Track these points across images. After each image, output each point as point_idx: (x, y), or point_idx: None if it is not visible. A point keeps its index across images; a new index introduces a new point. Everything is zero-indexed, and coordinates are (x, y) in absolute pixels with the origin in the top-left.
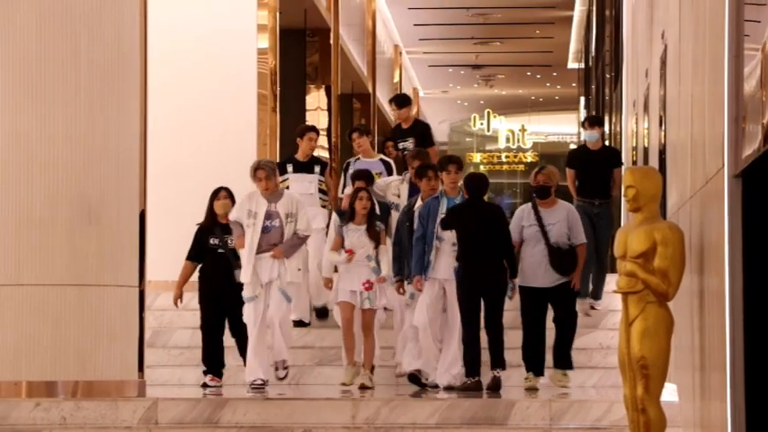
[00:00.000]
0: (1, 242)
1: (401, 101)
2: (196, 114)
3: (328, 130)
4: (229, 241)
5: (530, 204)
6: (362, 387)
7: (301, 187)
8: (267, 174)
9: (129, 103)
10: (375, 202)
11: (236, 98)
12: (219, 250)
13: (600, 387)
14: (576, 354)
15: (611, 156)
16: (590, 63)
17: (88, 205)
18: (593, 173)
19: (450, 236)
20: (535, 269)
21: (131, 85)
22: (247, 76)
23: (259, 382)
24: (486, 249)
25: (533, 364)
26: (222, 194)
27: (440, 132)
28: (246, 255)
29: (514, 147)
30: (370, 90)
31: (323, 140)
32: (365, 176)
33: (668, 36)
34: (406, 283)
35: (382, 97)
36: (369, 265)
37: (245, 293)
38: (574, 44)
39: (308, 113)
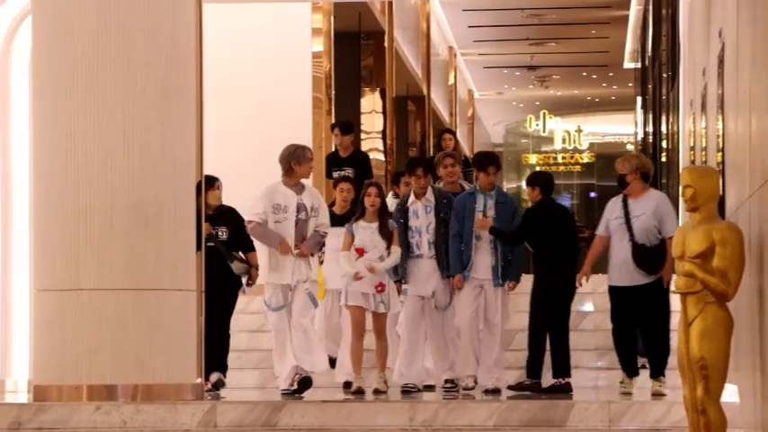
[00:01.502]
0: (61, 247)
1: (346, 128)
2: (252, 118)
3: (383, 132)
4: (220, 233)
5: (621, 195)
6: (377, 391)
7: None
8: (312, 155)
9: (186, 107)
10: (384, 198)
11: (292, 101)
12: (209, 243)
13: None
14: None
15: None
16: (646, 62)
17: (146, 210)
18: None
19: (487, 234)
20: (620, 267)
21: (188, 90)
22: (302, 79)
23: (291, 389)
24: (560, 250)
25: (626, 365)
26: (218, 184)
27: (495, 134)
28: (279, 255)
29: (570, 148)
30: (425, 92)
31: (378, 143)
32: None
33: (725, 34)
34: (401, 284)
35: (437, 100)
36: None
37: (274, 301)
38: (630, 44)
39: (362, 116)
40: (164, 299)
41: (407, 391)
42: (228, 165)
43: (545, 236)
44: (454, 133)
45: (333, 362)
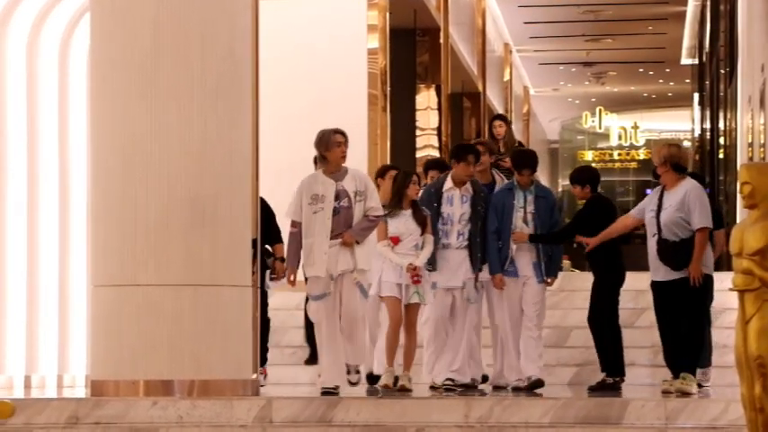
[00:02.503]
0: (118, 244)
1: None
2: (307, 115)
3: (438, 129)
4: None
5: (660, 186)
6: (403, 389)
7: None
8: (346, 138)
9: (242, 104)
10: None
11: (347, 98)
12: None
13: (717, 386)
14: None
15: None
16: (704, 59)
17: (203, 206)
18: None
19: (528, 231)
20: (652, 260)
21: (244, 88)
22: (358, 76)
23: (332, 387)
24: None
25: (669, 364)
26: None
27: (551, 131)
28: (317, 244)
29: (627, 144)
30: (481, 89)
31: (433, 140)
32: (440, 165)
33: None
34: (428, 273)
35: (492, 96)
36: (417, 254)
37: (314, 290)
38: (687, 40)
39: (417, 113)
40: (220, 294)
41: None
42: (284, 162)
43: (598, 232)
44: (506, 119)
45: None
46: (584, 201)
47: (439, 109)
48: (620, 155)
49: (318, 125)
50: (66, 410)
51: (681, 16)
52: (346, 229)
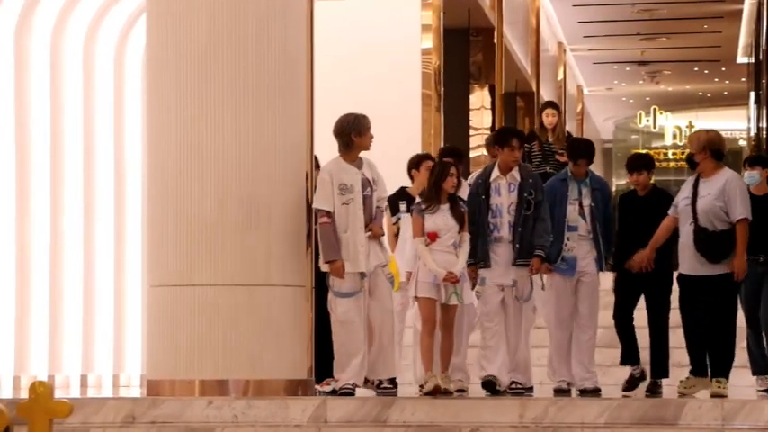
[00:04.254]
0: (174, 244)
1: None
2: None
3: (492, 129)
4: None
5: (695, 175)
6: (445, 392)
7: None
8: (370, 124)
9: (297, 105)
10: (460, 181)
11: (401, 98)
12: None
13: None
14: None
15: None
16: (760, 57)
17: (257, 206)
18: (756, 223)
19: (585, 223)
20: (684, 252)
21: (299, 88)
22: (412, 76)
23: (350, 385)
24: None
25: (692, 363)
26: None
27: (605, 130)
28: (353, 237)
29: (681, 144)
30: (534, 88)
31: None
32: (456, 154)
33: None
34: (478, 267)
35: (546, 96)
36: (455, 252)
37: (346, 287)
38: (743, 38)
39: (471, 113)
40: (275, 294)
41: (490, 383)
42: None
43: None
44: (557, 107)
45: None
46: (638, 189)
47: (492, 109)
48: (674, 154)
49: (373, 125)
50: (123, 410)
51: (737, 14)
52: (371, 220)
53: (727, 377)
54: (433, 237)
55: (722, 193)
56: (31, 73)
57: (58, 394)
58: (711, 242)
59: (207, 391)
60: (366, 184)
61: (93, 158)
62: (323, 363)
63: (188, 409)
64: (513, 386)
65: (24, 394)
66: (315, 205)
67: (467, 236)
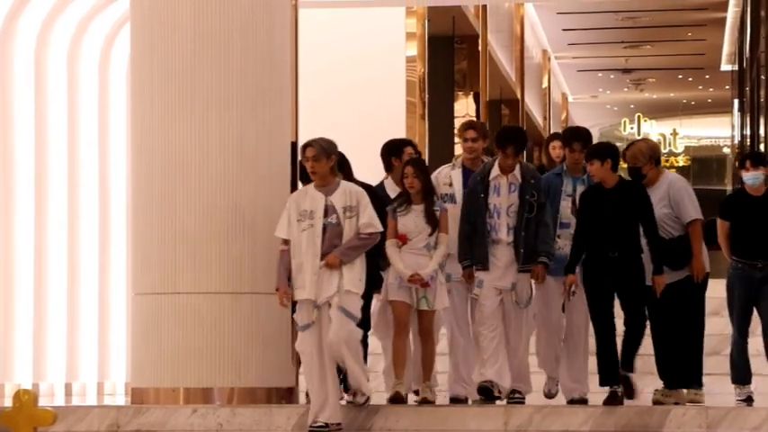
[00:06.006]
0: (159, 251)
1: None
2: (346, 123)
3: None
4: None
5: None
6: (424, 401)
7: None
8: (317, 153)
9: (281, 113)
10: (428, 176)
11: (385, 106)
12: None
13: (759, 394)
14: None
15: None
16: (744, 65)
17: (242, 214)
18: (754, 226)
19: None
20: (646, 264)
21: (283, 97)
22: (396, 83)
23: (320, 424)
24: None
25: (664, 376)
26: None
27: None
28: (308, 266)
29: (666, 151)
30: (519, 96)
31: None
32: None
33: None
34: (474, 269)
35: (531, 103)
36: (428, 255)
37: (300, 318)
38: (727, 46)
39: (456, 120)
40: (260, 302)
41: (486, 389)
42: None
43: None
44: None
45: None
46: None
47: (477, 116)
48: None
49: (357, 133)
50: (107, 418)
51: (720, 22)
52: (333, 248)
53: (701, 385)
54: (402, 239)
55: (667, 199)
56: (15, 79)
57: (43, 402)
58: (669, 251)
59: (191, 400)
60: (332, 210)
61: (77, 165)
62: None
63: (172, 417)
64: (513, 395)
65: (8, 402)
66: (275, 233)
67: (443, 237)
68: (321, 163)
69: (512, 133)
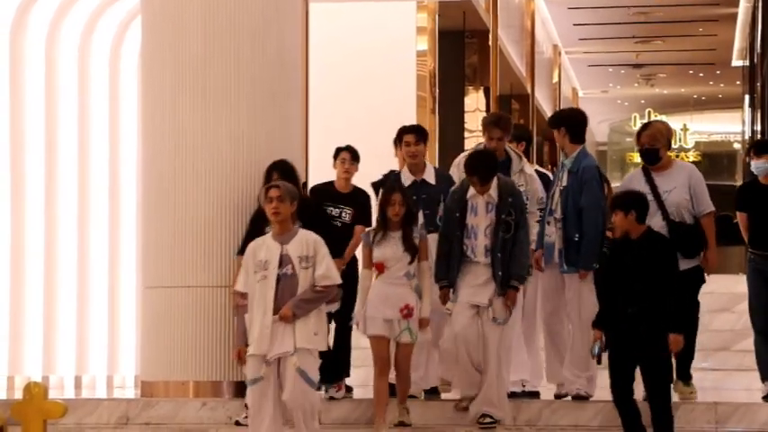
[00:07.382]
0: (169, 245)
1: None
2: (356, 117)
3: None
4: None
5: (639, 170)
6: (401, 424)
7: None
8: (282, 194)
9: (292, 107)
10: (411, 208)
11: (396, 100)
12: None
13: None
14: (743, 356)
15: None
16: (755, 60)
17: (252, 209)
18: (763, 215)
19: (560, 209)
20: None
21: (293, 91)
22: (407, 78)
23: None
24: None
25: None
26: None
27: (599, 132)
28: (259, 319)
29: (676, 146)
30: (529, 91)
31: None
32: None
33: None
34: (451, 291)
35: (541, 98)
36: (408, 284)
37: (249, 372)
38: (738, 41)
39: (466, 115)
40: None
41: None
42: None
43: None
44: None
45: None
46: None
47: (487, 111)
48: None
49: (367, 128)
50: (117, 411)
51: (732, 18)
52: (288, 299)
53: (690, 378)
54: (380, 268)
55: (688, 186)
56: (25, 74)
57: (53, 395)
58: (689, 236)
59: (201, 393)
60: (286, 260)
61: (88, 160)
62: (336, 364)
63: (182, 410)
64: (482, 419)
65: (19, 395)
66: (234, 287)
67: (425, 265)
68: (285, 204)
69: (477, 162)
